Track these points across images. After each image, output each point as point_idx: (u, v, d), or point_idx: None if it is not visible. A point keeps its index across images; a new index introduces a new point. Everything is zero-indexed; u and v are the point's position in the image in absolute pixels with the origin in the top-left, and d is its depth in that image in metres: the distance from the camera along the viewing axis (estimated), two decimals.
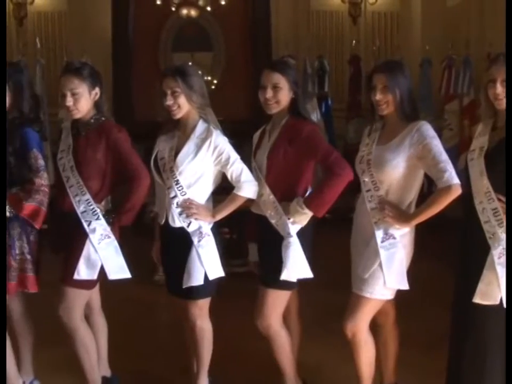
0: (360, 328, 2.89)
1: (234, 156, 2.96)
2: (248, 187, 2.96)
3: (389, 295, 2.88)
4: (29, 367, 3.29)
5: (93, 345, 3.10)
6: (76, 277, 2.92)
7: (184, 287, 2.96)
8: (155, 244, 3.22)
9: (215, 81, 8.17)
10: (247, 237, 3.29)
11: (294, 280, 2.96)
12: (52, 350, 3.61)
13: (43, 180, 2.90)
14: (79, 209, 2.94)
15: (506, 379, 2.62)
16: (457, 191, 2.67)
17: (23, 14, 8.22)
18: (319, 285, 4.73)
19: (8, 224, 2.92)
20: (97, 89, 2.99)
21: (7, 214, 2.89)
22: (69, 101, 2.92)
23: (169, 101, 2.93)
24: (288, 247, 2.92)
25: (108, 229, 2.96)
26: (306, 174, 3.00)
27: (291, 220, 2.93)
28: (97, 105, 3.01)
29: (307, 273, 2.97)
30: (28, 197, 2.86)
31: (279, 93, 2.95)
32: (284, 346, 3.08)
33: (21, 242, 2.95)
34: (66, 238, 2.99)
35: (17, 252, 2.94)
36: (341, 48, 8.48)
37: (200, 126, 2.98)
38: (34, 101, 3.05)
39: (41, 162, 2.92)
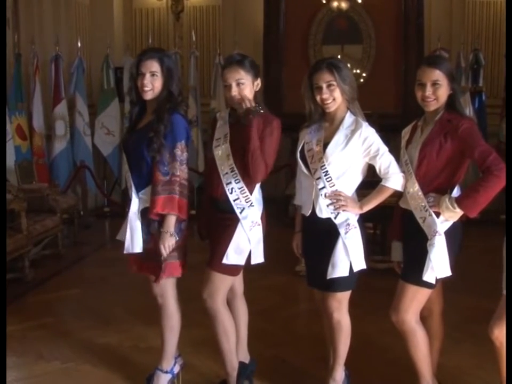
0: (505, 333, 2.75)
1: (384, 148, 2.94)
2: (396, 179, 2.93)
3: None
4: (176, 344, 3.38)
5: (232, 330, 3.19)
6: (224, 261, 3.02)
7: (328, 278, 2.96)
8: (295, 236, 3.25)
9: (364, 74, 8.09)
10: (391, 235, 3.22)
11: (433, 281, 2.88)
12: (192, 330, 3.73)
13: (184, 173, 3.00)
14: (232, 196, 3.04)
15: (507, 379, 2.56)
16: None
17: (180, 8, 8.62)
18: (465, 289, 4.61)
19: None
20: (258, 80, 3.09)
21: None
22: (235, 91, 3.02)
23: (325, 94, 2.94)
24: (433, 246, 2.83)
25: (258, 216, 3.06)
26: (458, 171, 2.90)
27: (441, 218, 2.85)
28: (255, 96, 3.09)
29: (447, 272, 2.88)
30: (170, 189, 2.95)
31: (439, 90, 2.86)
32: (420, 345, 2.99)
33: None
34: (215, 224, 3.11)
35: None
36: (498, 41, 8.09)
37: (348, 118, 2.98)
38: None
39: (185, 155, 3.02)
